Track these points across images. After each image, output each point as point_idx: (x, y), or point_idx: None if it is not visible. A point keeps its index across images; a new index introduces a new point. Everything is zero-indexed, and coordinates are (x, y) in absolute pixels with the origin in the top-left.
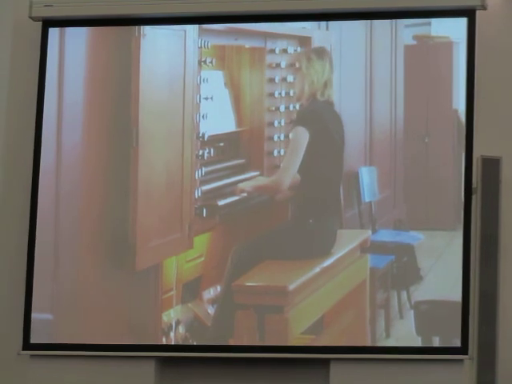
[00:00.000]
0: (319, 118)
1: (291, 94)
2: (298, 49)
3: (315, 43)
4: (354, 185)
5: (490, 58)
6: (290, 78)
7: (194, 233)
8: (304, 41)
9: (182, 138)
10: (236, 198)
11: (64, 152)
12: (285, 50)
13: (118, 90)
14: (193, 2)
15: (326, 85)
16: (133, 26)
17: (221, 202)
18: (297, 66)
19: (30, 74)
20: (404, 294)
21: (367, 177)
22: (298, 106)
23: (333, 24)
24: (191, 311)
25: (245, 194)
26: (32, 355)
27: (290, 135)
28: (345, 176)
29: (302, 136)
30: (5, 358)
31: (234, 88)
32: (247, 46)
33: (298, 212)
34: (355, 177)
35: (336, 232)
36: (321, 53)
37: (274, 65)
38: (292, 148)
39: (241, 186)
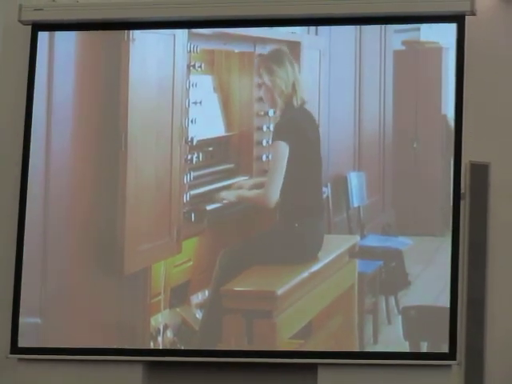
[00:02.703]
0: (297, 127)
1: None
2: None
3: (304, 48)
4: (342, 190)
5: (479, 63)
6: None
7: (182, 237)
8: (293, 45)
9: (170, 142)
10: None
11: (53, 156)
12: None
13: (107, 94)
14: (182, 7)
15: (295, 86)
16: (122, 31)
17: (209, 207)
18: (258, 81)
19: (19, 77)
20: (392, 300)
21: (356, 182)
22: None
23: (322, 29)
24: (179, 316)
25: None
26: (20, 359)
27: (271, 149)
28: (333, 181)
29: (282, 150)
30: None
31: (223, 93)
32: (236, 51)
33: (285, 217)
34: (344, 182)
35: (322, 236)
36: (278, 58)
37: None
38: (274, 164)
39: (225, 195)
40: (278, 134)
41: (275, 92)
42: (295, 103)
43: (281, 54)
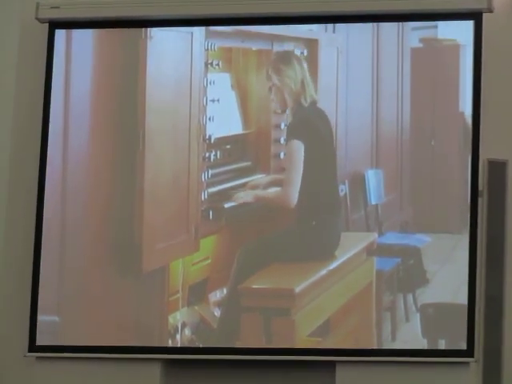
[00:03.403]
0: (310, 125)
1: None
2: (305, 51)
3: (321, 45)
4: (360, 187)
5: (497, 60)
6: None
7: (200, 235)
8: (311, 43)
9: (188, 140)
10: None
11: (70, 154)
12: None
13: (124, 92)
14: (200, 4)
15: (303, 84)
16: (139, 28)
17: (227, 205)
18: (270, 83)
19: (36, 75)
20: (410, 297)
21: (374, 179)
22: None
23: (339, 26)
24: (197, 313)
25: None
26: (38, 357)
27: (286, 149)
28: (351, 179)
29: (298, 148)
30: (11, 360)
31: (241, 90)
32: (254, 49)
33: (302, 215)
34: (361, 179)
35: (340, 234)
36: (286, 58)
37: None
38: (291, 163)
39: (243, 196)
40: (292, 134)
41: (285, 91)
42: (305, 101)
43: (288, 55)
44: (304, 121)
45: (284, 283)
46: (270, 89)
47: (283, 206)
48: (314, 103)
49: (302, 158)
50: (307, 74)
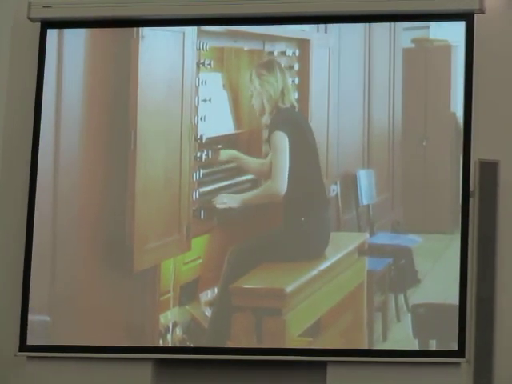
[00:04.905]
0: (291, 121)
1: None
2: (297, 51)
3: (313, 46)
4: (352, 187)
5: (488, 61)
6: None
7: (191, 235)
8: (302, 43)
9: (180, 140)
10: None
11: (62, 154)
12: (283, 53)
13: (116, 92)
14: (192, 4)
15: (283, 92)
16: (131, 28)
17: (218, 204)
18: (251, 90)
19: (28, 75)
20: (401, 297)
21: (365, 180)
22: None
23: (331, 27)
24: (188, 313)
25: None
26: (29, 357)
27: (270, 142)
28: (343, 179)
29: (282, 138)
30: (1, 360)
31: (233, 90)
32: (246, 48)
33: (291, 214)
34: (353, 180)
35: (329, 233)
36: (270, 65)
37: None
38: (277, 153)
39: (229, 201)
40: (275, 126)
41: (264, 97)
42: (284, 106)
43: (271, 62)
44: (285, 117)
45: (275, 283)
46: (252, 94)
47: (274, 195)
48: (293, 107)
49: (287, 148)
50: (289, 83)
